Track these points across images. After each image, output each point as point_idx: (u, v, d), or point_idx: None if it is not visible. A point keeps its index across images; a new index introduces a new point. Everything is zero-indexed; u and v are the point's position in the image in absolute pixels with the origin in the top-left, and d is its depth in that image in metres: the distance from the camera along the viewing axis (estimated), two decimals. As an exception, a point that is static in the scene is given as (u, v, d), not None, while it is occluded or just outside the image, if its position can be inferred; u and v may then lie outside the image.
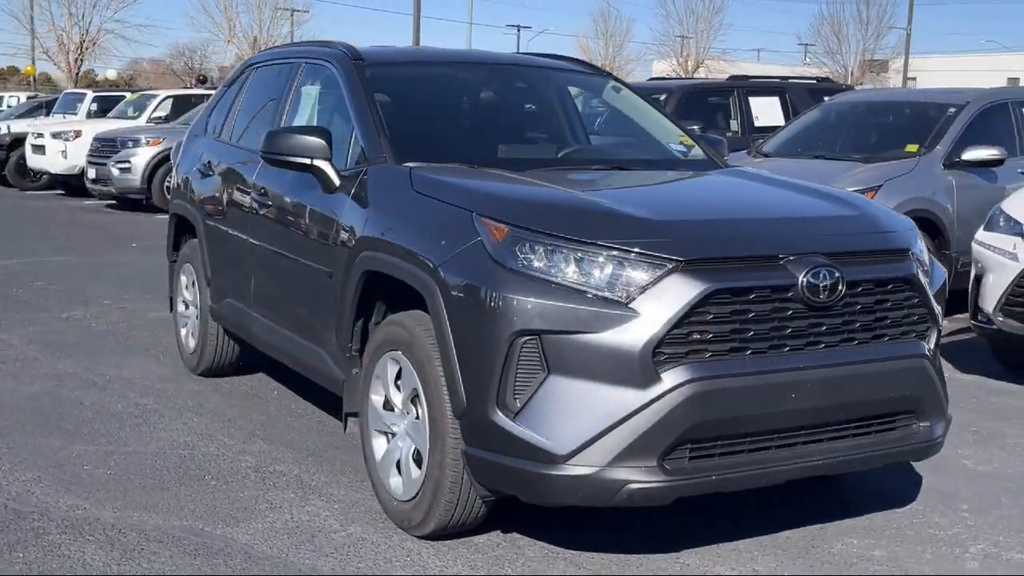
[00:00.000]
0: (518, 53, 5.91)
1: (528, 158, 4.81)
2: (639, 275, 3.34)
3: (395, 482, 3.97)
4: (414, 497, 3.81)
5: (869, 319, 3.64)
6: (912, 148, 8.13)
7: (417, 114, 4.90)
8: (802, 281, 3.45)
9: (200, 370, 6.15)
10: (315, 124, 5.01)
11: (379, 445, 4.09)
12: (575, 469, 3.33)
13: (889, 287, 3.69)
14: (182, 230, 6.48)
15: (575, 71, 5.69)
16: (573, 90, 5.48)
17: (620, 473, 3.32)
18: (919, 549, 3.91)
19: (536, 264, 3.41)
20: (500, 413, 3.40)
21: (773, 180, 4.49)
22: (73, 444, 4.92)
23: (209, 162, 5.93)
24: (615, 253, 3.38)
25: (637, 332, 3.30)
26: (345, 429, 4.33)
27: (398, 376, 3.94)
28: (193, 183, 6.09)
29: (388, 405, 4.03)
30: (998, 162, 7.99)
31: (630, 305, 3.32)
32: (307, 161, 4.41)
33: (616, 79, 5.73)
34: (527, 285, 3.38)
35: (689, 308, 3.31)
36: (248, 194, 5.23)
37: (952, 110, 8.39)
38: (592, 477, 3.32)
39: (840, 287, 3.51)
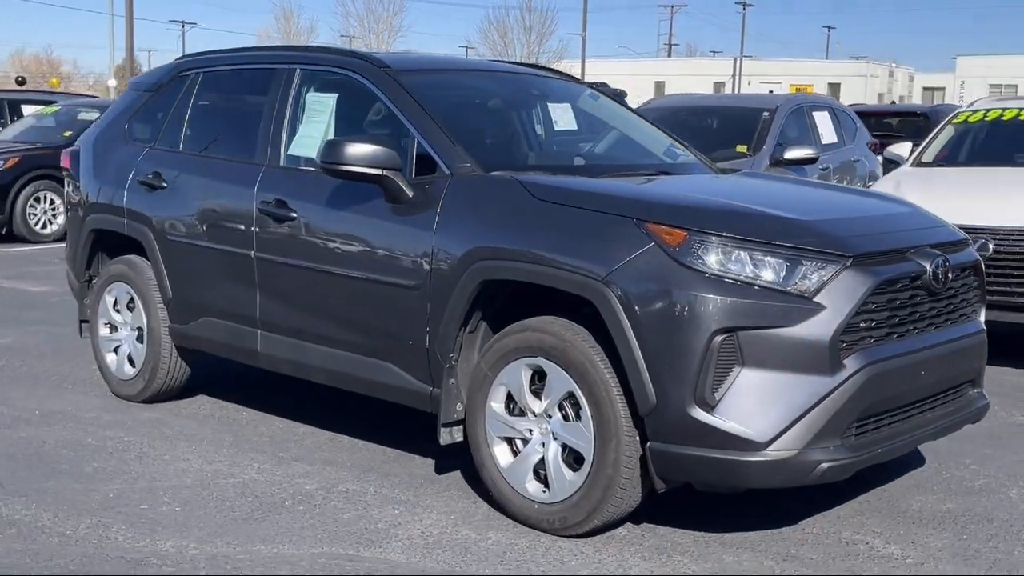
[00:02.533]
0: (514, 63, 5.96)
1: (602, 164, 4.96)
2: (819, 272, 3.67)
3: (534, 487, 4.04)
4: (569, 497, 3.91)
5: (957, 301, 4.19)
6: (742, 148, 8.95)
7: (465, 122, 4.91)
8: (931, 270, 3.92)
9: (145, 395, 5.75)
10: (341, 134, 4.89)
11: (502, 452, 4.13)
12: (775, 454, 3.60)
13: (966, 271, 4.25)
14: (101, 247, 6.01)
15: (565, 80, 5.88)
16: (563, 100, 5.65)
17: (815, 454, 3.64)
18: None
19: (722, 266, 3.65)
20: (698, 408, 3.61)
21: (803, 181, 4.96)
22: (95, 484, 4.51)
23: (158, 173, 5.55)
24: (794, 252, 3.68)
25: (824, 324, 3.62)
26: (440, 440, 4.31)
27: (532, 381, 4.02)
28: (134, 196, 5.66)
29: (516, 411, 4.08)
30: (813, 160, 8.98)
31: (815, 299, 3.64)
32: (377, 172, 4.34)
33: (594, 88, 5.98)
34: (721, 286, 3.62)
35: (864, 299, 3.68)
36: (252, 208, 4.99)
37: (766, 114, 9.32)
38: (790, 460, 3.62)
39: (950, 274, 4.02)
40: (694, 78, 64.19)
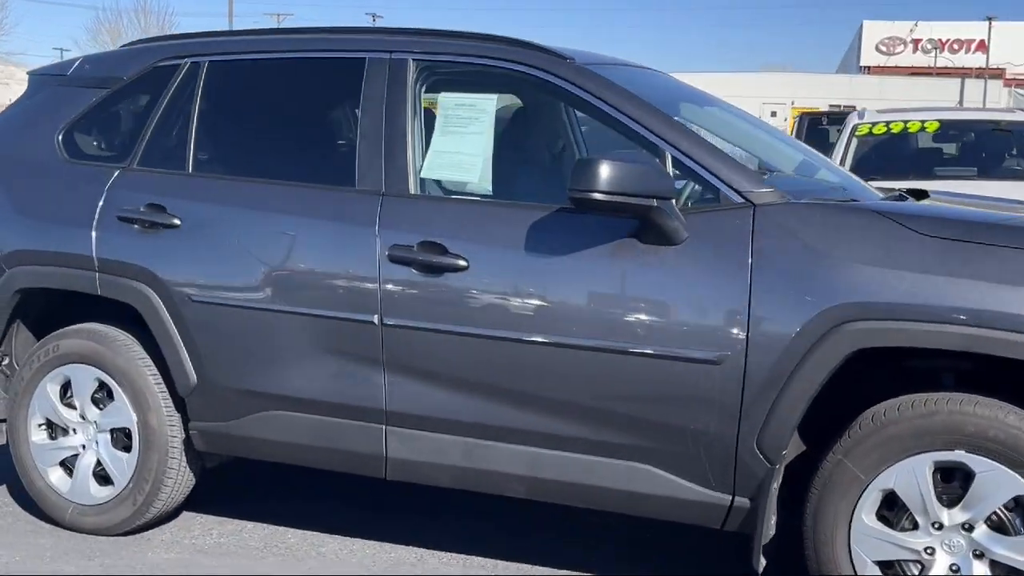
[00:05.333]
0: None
1: (831, 187, 3.88)
2: None
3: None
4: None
5: None
6: None
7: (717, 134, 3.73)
8: None
9: (133, 525, 3.99)
10: (509, 148, 3.56)
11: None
12: None
13: None
14: (25, 312, 4.13)
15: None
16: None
17: None
18: None
19: None
20: None
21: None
22: None
23: (158, 206, 3.83)
24: None
25: None
26: (757, 567, 3.14)
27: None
28: (114, 239, 3.87)
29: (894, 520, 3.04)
30: None
31: None
32: (651, 203, 3.11)
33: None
34: None
35: None
36: (374, 255, 3.50)
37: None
38: None
39: None
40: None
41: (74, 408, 4.04)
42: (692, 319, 3.15)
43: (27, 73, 4.53)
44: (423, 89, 3.69)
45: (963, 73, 53.78)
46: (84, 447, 4.04)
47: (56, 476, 4.08)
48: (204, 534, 4.07)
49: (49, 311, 4.21)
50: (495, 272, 3.38)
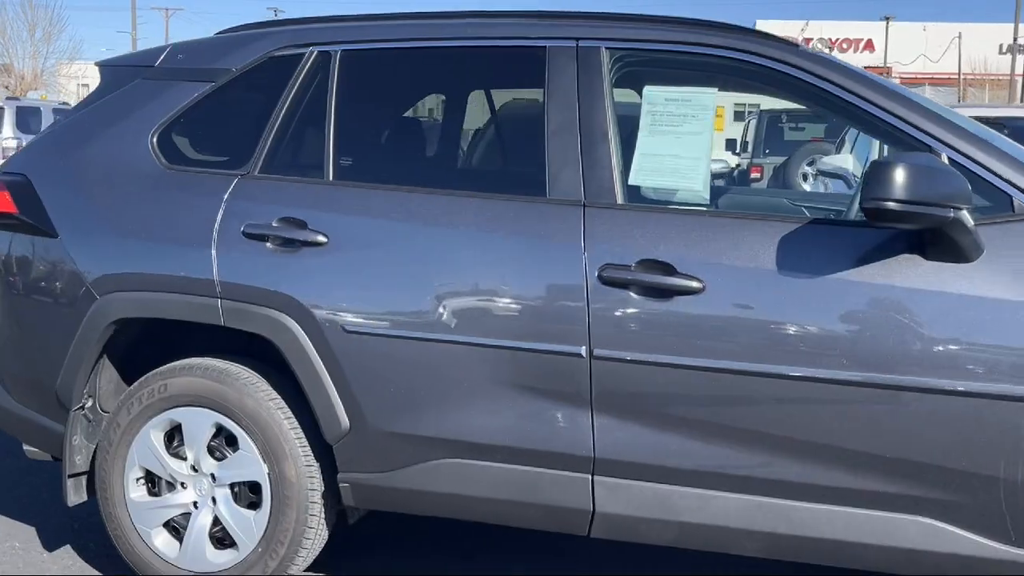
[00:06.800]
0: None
1: None
2: None
3: None
4: None
5: None
6: None
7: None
8: None
9: (262, 595, 3.39)
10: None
11: None
12: None
13: None
14: (111, 347, 3.50)
15: None
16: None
17: None
18: None
19: None
20: None
21: None
22: None
23: (297, 220, 3.25)
24: None
25: None
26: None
27: None
28: (241, 258, 3.28)
29: None
30: None
31: None
32: (948, 214, 2.68)
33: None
34: None
35: None
36: (580, 278, 2.99)
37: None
38: None
39: None
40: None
41: (183, 459, 3.43)
42: (1004, 348, 2.72)
43: (96, 64, 3.87)
44: (620, 82, 3.19)
45: (855, 72, 54.98)
46: (196, 505, 3.44)
47: (161, 539, 3.47)
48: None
49: (135, 345, 3.59)
50: (737, 295, 2.90)
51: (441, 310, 3.10)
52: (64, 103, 24.36)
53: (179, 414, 3.40)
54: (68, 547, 3.94)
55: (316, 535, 3.39)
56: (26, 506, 4.31)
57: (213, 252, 3.29)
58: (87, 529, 4.05)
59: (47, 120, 20.06)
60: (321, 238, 3.22)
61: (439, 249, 3.13)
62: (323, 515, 3.38)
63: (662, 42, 3.18)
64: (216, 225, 3.31)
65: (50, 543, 3.97)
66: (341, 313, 3.17)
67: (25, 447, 3.80)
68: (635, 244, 2.97)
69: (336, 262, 3.20)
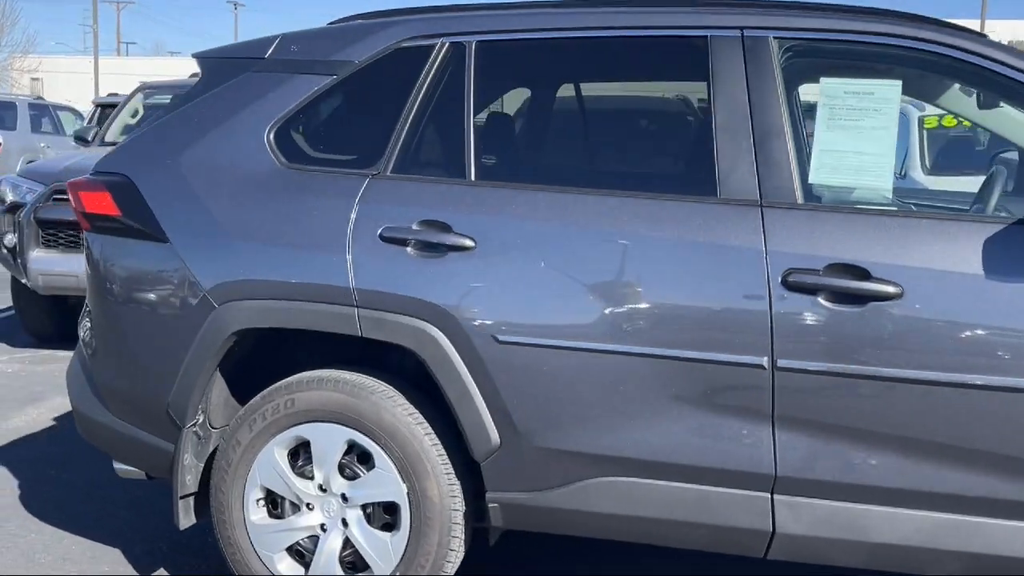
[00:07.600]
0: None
1: None
2: None
3: None
4: None
5: None
6: None
7: None
8: None
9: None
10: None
11: None
12: None
13: None
14: (231, 362, 3.27)
15: None
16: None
17: None
18: None
19: None
20: None
21: None
22: None
23: (441, 223, 3.02)
24: None
25: None
26: None
27: None
28: (379, 265, 3.04)
29: None
30: None
31: None
32: None
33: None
34: None
35: None
36: (762, 281, 2.80)
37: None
38: None
39: None
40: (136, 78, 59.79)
41: (309, 478, 3.20)
42: None
43: (193, 56, 3.61)
44: (796, 74, 3.00)
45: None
46: (324, 527, 3.20)
47: (285, 565, 3.24)
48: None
49: (245, 357, 3.35)
50: (939, 301, 2.72)
51: (604, 318, 2.90)
52: (39, 98, 23.63)
53: (307, 430, 3.17)
54: (162, 571, 3.69)
55: (456, 557, 3.17)
56: (104, 526, 4.05)
57: (348, 258, 3.06)
58: (176, 550, 3.81)
59: (23, 115, 19.34)
60: (468, 242, 3.00)
61: (600, 253, 2.92)
62: (464, 536, 3.16)
63: (837, 32, 2.98)
64: (350, 229, 3.08)
65: (141, 566, 3.72)
66: (492, 322, 2.95)
67: (116, 464, 3.55)
68: (823, 247, 2.78)
69: (485, 268, 2.98)
